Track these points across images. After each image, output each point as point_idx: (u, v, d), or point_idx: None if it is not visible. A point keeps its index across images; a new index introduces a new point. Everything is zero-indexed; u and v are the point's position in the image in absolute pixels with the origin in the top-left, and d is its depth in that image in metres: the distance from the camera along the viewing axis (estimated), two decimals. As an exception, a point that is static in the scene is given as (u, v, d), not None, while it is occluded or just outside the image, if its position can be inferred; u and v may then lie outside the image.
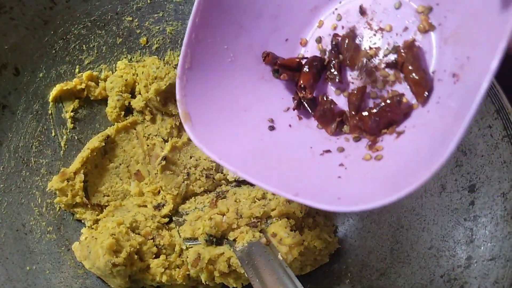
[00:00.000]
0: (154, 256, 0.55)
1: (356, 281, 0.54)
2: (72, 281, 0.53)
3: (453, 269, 0.48)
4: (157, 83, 0.62)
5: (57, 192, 0.57)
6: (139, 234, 0.56)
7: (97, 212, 0.59)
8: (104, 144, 0.61)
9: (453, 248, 0.49)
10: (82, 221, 0.60)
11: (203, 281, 0.54)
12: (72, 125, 0.63)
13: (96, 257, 0.50)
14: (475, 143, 0.52)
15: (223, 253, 0.53)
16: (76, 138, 0.63)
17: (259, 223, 0.54)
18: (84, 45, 0.65)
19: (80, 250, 0.53)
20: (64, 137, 0.62)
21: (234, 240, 0.53)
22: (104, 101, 0.65)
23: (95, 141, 0.60)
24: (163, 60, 0.68)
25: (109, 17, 0.66)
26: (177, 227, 0.57)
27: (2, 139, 0.58)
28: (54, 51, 0.62)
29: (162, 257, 0.56)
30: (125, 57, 0.67)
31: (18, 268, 0.52)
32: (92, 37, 0.65)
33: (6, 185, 0.57)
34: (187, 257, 0.54)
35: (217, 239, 0.54)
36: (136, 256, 0.53)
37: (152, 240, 0.55)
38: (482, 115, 0.52)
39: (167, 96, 0.63)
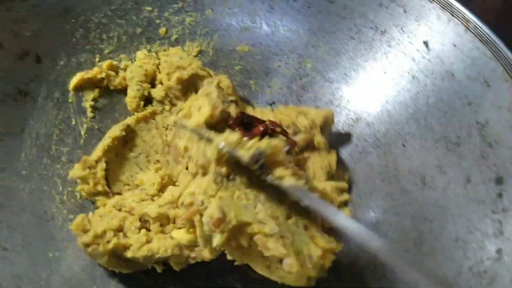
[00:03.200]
0: (138, 231, 0.53)
1: (380, 274, 0.54)
2: (94, 269, 0.53)
3: (482, 262, 0.47)
4: (179, 72, 0.62)
5: (78, 180, 0.57)
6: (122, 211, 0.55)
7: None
8: (124, 134, 0.60)
9: (481, 240, 0.49)
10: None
11: (214, 245, 0.45)
12: (92, 114, 0.63)
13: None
14: (501, 135, 0.52)
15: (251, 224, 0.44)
16: (96, 127, 0.63)
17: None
18: (104, 34, 0.64)
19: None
20: (85, 126, 0.62)
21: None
22: (123, 90, 0.65)
23: (115, 130, 0.60)
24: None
25: (129, 6, 0.66)
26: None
27: (23, 126, 0.57)
28: (74, 39, 0.62)
29: (143, 231, 0.53)
30: (144, 47, 0.67)
31: (40, 255, 0.51)
32: (112, 26, 0.65)
33: (28, 172, 0.56)
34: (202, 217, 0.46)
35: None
36: (120, 234, 0.52)
37: (134, 215, 0.53)
38: (509, 106, 0.52)
39: (188, 86, 0.63)
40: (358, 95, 0.66)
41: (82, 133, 0.62)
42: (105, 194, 0.57)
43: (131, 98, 0.64)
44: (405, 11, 0.61)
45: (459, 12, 0.57)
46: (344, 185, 0.61)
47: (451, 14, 0.58)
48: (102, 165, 0.57)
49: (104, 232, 0.51)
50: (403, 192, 0.58)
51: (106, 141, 0.58)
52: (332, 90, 0.67)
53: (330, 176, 0.62)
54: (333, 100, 0.67)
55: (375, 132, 0.63)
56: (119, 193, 0.59)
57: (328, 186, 0.60)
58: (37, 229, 0.53)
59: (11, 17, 0.57)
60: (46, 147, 0.59)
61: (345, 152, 0.65)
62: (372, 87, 0.65)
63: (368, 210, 0.60)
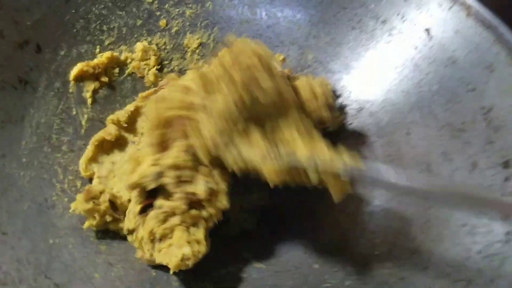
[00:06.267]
0: None
1: (386, 260, 0.53)
2: (95, 256, 0.52)
3: (491, 245, 0.47)
4: None
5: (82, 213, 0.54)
6: None
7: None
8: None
9: (488, 224, 0.48)
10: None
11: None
12: (93, 104, 0.63)
13: None
14: (506, 119, 0.51)
15: None
16: (97, 117, 0.62)
17: None
18: (104, 26, 0.64)
19: None
20: (85, 116, 0.62)
21: None
22: (124, 82, 0.65)
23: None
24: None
25: (129, -3, 0.66)
26: None
27: (24, 114, 0.57)
28: (75, 30, 0.62)
29: None
30: (145, 39, 0.67)
31: (41, 241, 0.51)
32: (113, 17, 0.65)
33: (28, 160, 0.56)
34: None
35: None
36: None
37: None
38: (513, 90, 0.51)
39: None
40: (361, 85, 0.65)
41: (83, 123, 0.61)
42: (116, 221, 0.55)
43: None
44: (405, 0, 0.61)
45: (460, -2, 0.57)
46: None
47: (452, 1, 0.57)
48: (106, 196, 0.54)
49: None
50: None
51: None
52: (333, 81, 0.67)
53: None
54: (335, 90, 0.66)
55: (378, 121, 0.63)
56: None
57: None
58: (37, 216, 0.52)
59: (12, 5, 0.57)
60: (46, 136, 0.58)
61: (348, 143, 0.64)
62: (374, 76, 0.64)
63: (373, 199, 0.60)
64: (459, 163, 0.54)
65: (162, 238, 0.49)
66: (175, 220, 0.49)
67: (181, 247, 0.48)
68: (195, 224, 0.50)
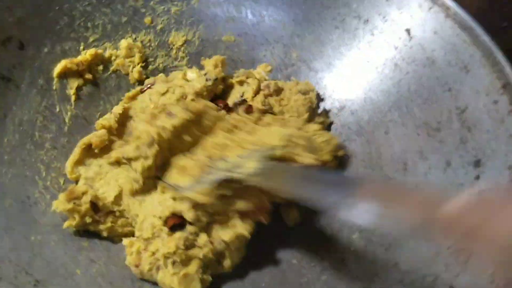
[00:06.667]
0: None
1: (361, 257, 0.54)
2: (77, 252, 0.53)
3: (459, 241, 0.48)
4: None
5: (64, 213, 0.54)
6: None
7: (110, 219, 0.55)
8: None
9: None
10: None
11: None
12: (76, 101, 0.63)
13: None
14: (480, 119, 0.52)
15: None
16: (80, 115, 0.63)
17: None
18: (89, 23, 0.65)
19: None
20: (69, 113, 0.62)
21: None
22: (108, 79, 0.65)
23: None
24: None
25: (114, -5, 0.66)
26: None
27: (6, 112, 0.57)
28: (59, 27, 0.62)
29: None
30: (129, 36, 0.67)
31: (23, 238, 0.51)
32: (97, 14, 0.65)
33: (11, 157, 0.56)
34: None
35: None
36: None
37: None
38: (487, 91, 0.53)
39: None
40: (342, 84, 0.66)
41: (67, 120, 0.62)
42: (96, 222, 0.55)
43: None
44: (387, 0, 0.62)
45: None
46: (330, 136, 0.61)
47: (432, 2, 0.58)
48: (87, 197, 0.54)
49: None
50: (386, 178, 0.59)
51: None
52: (317, 79, 0.68)
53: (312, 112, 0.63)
54: (318, 89, 0.67)
55: (358, 120, 0.64)
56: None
57: (311, 128, 0.60)
58: (19, 214, 0.53)
59: (-6, 3, 0.57)
60: (29, 133, 0.58)
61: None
62: (356, 75, 0.65)
63: (346, 197, 0.61)
64: (433, 162, 0.55)
65: (181, 262, 0.50)
66: (198, 252, 0.50)
67: (197, 282, 0.50)
68: (210, 263, 0.52)
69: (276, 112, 0.61)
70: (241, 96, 0.62)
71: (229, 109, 0.61)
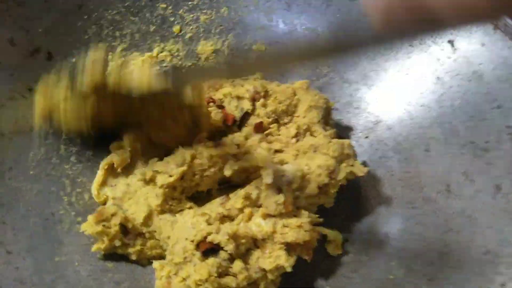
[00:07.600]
0: None
1: (400, 286, 0.51)
2: (101, 274, 0.51)
3: (515, 277, 0.44)
4: None
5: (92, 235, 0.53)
6: None
7: (140, 242, 0.53)
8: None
9: (513, 254, 0.45)
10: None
11: None
12: (103, 114, 0.61)
13: None
14: (534, 141, 0.49)
15: None
16: (107, 127, 0.61)
17: None
18: (117, 32, 0.63)
19: None
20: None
21: None
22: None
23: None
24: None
25: (143, 3, 0.64)
26: None
27: (33, 124, 0.56)
28: (87, 37, 0.61)
29: None
30: (158, 45, 0.65)
31: (47, 259, 0.50)
32: (126, 23, 0.63)
33: (36, 172, 0.55)
34: None
35: None
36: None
37: None
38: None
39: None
40: (378, 97, 0.63)
41: (92, 132, 0.60)
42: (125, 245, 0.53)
43: None
44: (429, 9, 0.58)
45: (488, 10, 0.54)
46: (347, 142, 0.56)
47: (480, 12, 0.54)
48: (117, 219, 0.52)
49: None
50: (426, 200, 0.55)
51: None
52: (350, 91, 0.64)
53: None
54: (352, 101, 0.64)
55: (395, 136, 0.60)
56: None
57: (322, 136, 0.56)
58: (43, 232, 0.52)
59: (22, 12, 0.56)
60: (55, 147, 0.57)
61: (364, 157, 0.62)
62: (393, 88, 0.62)
63: (388, 218, 0.57)
64: (481, 185, 0.51)
65: None
66: (231, 281, 0.47)
67: None
68: None
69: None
70: (242, 110, 0.58)
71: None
